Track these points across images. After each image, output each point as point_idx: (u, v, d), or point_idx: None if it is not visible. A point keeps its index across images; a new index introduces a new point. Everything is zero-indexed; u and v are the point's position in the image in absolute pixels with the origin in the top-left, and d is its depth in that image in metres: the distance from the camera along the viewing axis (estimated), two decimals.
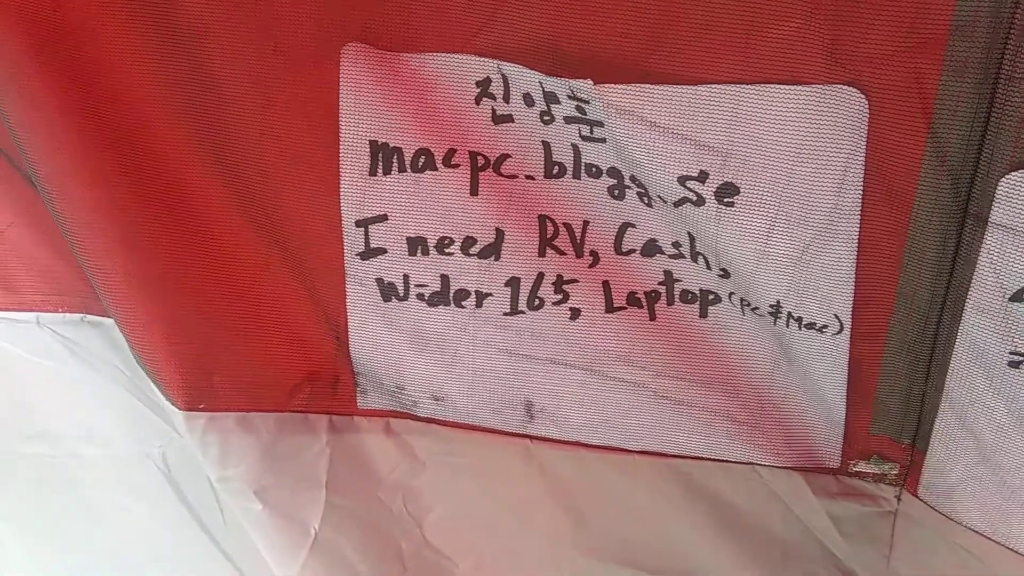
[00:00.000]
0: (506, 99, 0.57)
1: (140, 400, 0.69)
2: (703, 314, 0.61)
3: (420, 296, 0.63)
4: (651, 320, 0.62)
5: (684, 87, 0.53)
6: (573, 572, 0.66)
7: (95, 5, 0.55)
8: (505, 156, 0.59)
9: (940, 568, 0.62)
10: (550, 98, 0.56)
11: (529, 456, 0.66)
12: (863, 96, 0.51)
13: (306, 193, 0.62)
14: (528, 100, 0.56)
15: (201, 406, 0.68)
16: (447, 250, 0.61)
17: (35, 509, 0.73)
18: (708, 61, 0.53)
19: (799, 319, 0.58)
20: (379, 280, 0.63)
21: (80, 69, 0.57)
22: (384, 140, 0.59)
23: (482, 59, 0.55)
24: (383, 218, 0.61)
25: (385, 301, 0.64)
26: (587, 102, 0.55)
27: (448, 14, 0.55)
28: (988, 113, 0.49)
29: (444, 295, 0.63)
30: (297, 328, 0.66)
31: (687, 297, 0.61)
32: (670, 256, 0.60)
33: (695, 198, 0.56)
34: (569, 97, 0.55)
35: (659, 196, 0.57)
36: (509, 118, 0.57)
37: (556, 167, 0.58)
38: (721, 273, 0.59)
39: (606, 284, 0.61)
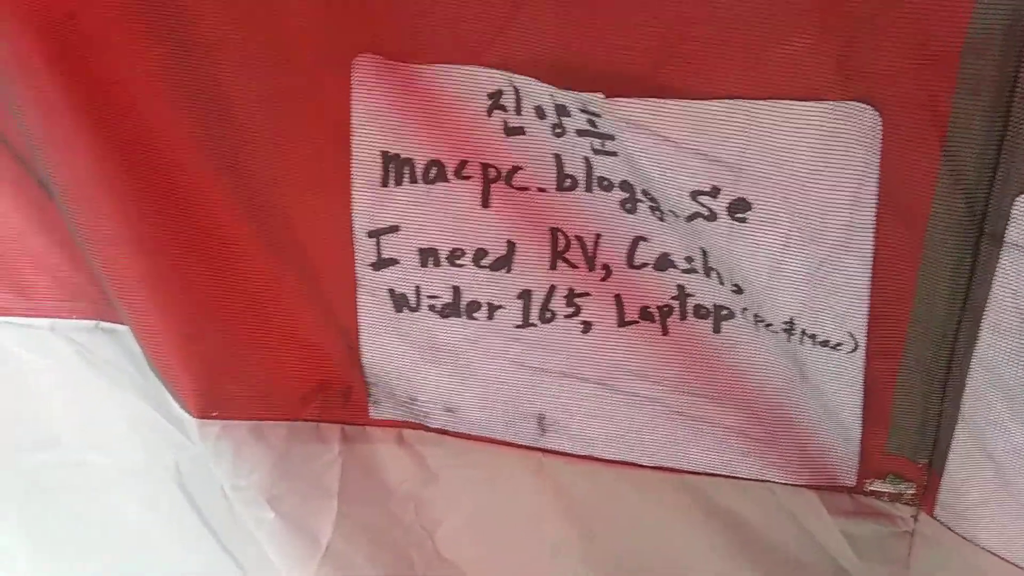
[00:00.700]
0: (518, 111, 0.56)
1: (153, 408, 0.69)
2: (716, 329, 0.61)
3: (432, 307, 0.63)
4: (664, 335, 0.61)
5: (695, 101, 0.53)
6: None
7: (110, 16, 0.56)
8: (517, 168, 0.58)
9: None
10: (561, 111, 0.55)
11: (541, 469, 0.66)
12: (876, 112, 0.50)
13: (318, 203, 0.62)
14: (540, 112, 0.56)
15: (214, 414, 0.68)
16: (458, 262, 0.61)
17: (45, 516, 0.73)
18: (720, 76, 0.52)
19: (813, 336, 0.57)
20: (391, 291, 0.63)
21: (95, 79, 0.57)
22: (396, 151, 0.59)
23: (494, 71, 0.55)
24: (394, 229, 0.61)
25: (397, 312, 0.64)
26: (598, 115, 0.54)
27: (459, 26, 0.54)
28: (1003, 131, 0.48)
29: (455, 307, 0.63)
30: (309, 337, 0.66)
31: (700, 312, 0.60)
32: (683, 271, 0.59)
33: (707, 213, 0.56)
34: (580, 110, 0.55)
35: (671, 210, 0.56)
36: (521, 130, 0.57)
37: (568, 180, 0.58)
38: (734, 289, 0.58)
39: (618, 298, 0.61)
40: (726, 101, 0.53)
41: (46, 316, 0.69)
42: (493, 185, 0.59)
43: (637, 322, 0.61)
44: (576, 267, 0.61)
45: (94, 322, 0.70)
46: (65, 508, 0.73)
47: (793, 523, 0.64)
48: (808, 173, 0.53)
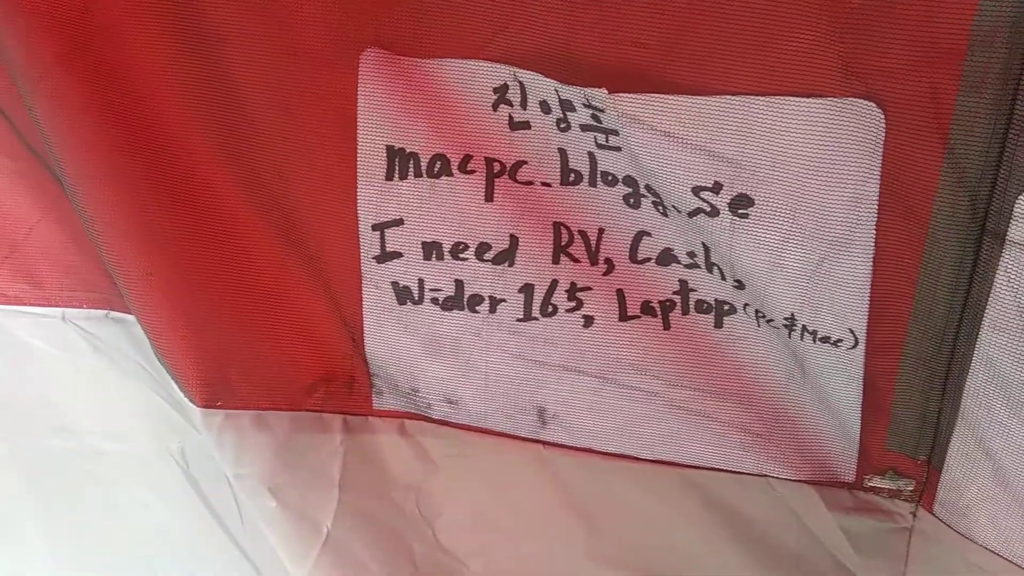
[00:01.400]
0: (523, 106, 0.56)
1: (161, 396, 0.70)
2: (718, 324, 0.61)
3: (435, 300, 0.63)
4: (665, 329, 0.62)
5: (698, 97, 0.53)
6: None
7: (122, 10, 0.56)
8: (521, 163, 0.59)
9: None
10: (566, 106, 0.56)
11: (542, 461, 0.66)
12: (879, 110, 0.50)
13: (324, 196, 0.62)
14: (545, 107, 0.56)
15: (218, 403, 0.68)
16: (462, 255, 0.62)
17: (56, 502, 0.74)
18: (723, 72, 0.52)
19: (814, 333, 0.57)
20: (394, 283, 0.63)
21: (106, 72, 0.58)
22: (401, 145, 0.59)
23: (499, 65, 0.55)
24: (399, 222, 0.61)
25: (400, 304, 0.64)
26: (602, 111, 0.54)
27: (464, 21, 0.55)
28: (1006, 129, 0.48)
29: (458, 300, 0.63)
30: (314, 329, 0.67)
31: (702, 307, 0.61)
32: (685, 266, 0.59)
33: (709, 209, 0.56)
34: (584, 105, 0.55)
35: (673, 206, 0.56)
36: (526, 125, 0.57)
37: (572, 175, 0.58)
38: (736, 284, 0.58)
39: (620, 292, 0.61)
40: (729, 97, 0.53)
41: (58, 305, 0.70)
42: (497, 179, 0.60)
43: (639, 317, 0.62)
44: (579, 261, 0.61)
45: (105, 312, 0.70)
46: (74, 493, 0.74)
47: (792, 518, 0.64)
48: (810, 169, 0.53)
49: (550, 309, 0.63)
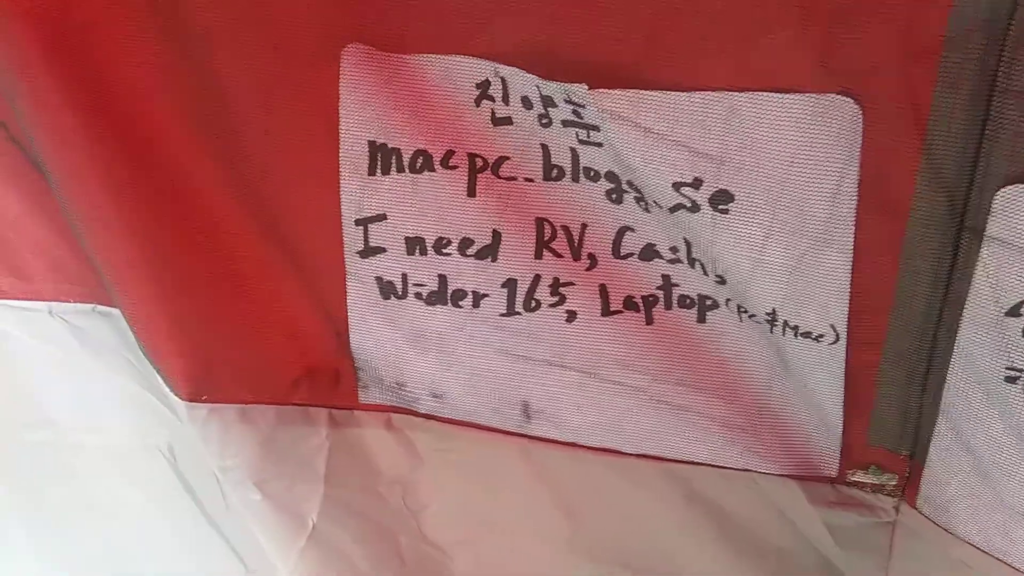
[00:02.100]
0: (505, 101, 0.56)
1: (148, 390, 0.70)
2: (701, 319, 0.61)
3: (418, 295, 0.63)
4: (648, 324, 0.62)
5: (677, 93, 0.53)
6: (568, 572, 0.66)
7: (102, 5, 0.56)
8: (504, 158, 0.59)
9: None
10: (547, 101, 0.56)
11: (527, 456, 0.66)
12: (857, 106, 0.50)
13: (307, 191, 0.62)
14: (526, 103, 0.56)
15: (203, 397, 0.69)
16: (444, 250, 0.62)
17: (39, 496, 0.74)
18: (702, 68, 0.52)
19: (795, 328, 0.57)
20: (378, 278, 0.63)
21: (89, 66, 0.58)
22: (383, 140, 0.59)
23: (481, 61, 0.55)
24: (382, 217, 0.61)
25: (384, 299, 0.64)
26: (583, 106, 0.54)
27: (447, 16, 0.55)
28: (983, 126, 0.48)
29: (442, 295, 0.63)
30: (299, 323, 0.67)
31: (685, 302, 0.61)
32: (668, 261, 0.59)
33: (690, 204, 0.56)
34: (566, 101, 0.55)
35: (655, 201, 0.56)
36: (508, 120, 0.57)
37: (555, 170, 0.58)
38: (718, 279, 0.58)
39: (603, 287, 0.61)
40: (708, 93, 0.53)
41: (44, 299, 0.71)
42: (479, 175, 0.60)
43: (622, 312, 0.62)
44: (561, 257, 0.61)
45: (91, 305, 0.71)
46: (58, 487, 0.74)
47: (775, 513, 0.64)
48: (789, 166, 0.53)
49: (533, 304, 0.63)
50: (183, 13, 0.57)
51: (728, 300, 0.59)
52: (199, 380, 0.69)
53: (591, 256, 0.61)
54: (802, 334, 0.58)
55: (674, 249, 0.59)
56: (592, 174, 0.58)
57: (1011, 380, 0.52)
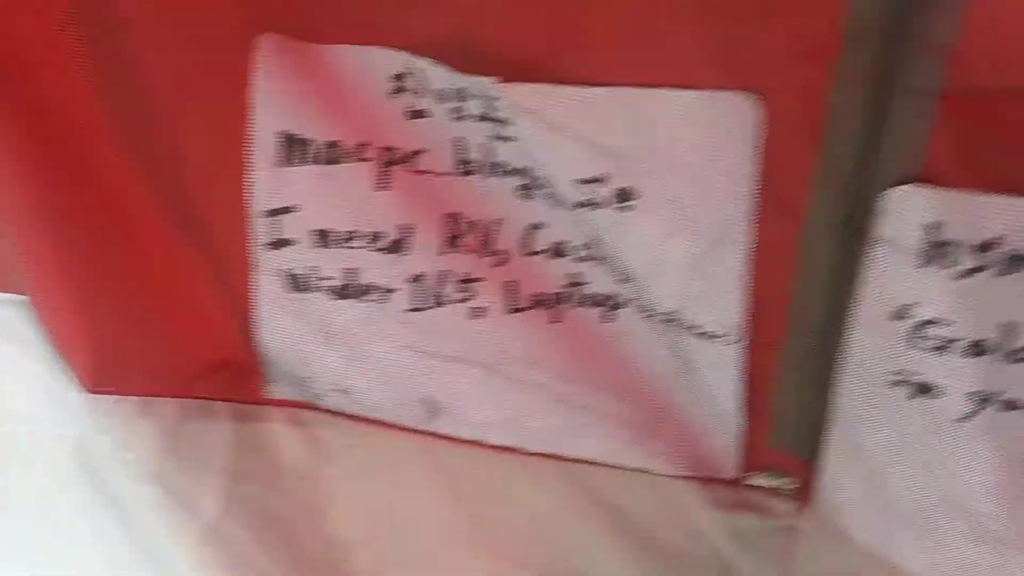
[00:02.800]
0: (420, 94, 0.57)
1: (57, 380, 0.69)
2: (606, 318, 0.61)
3: (326, 289, 0.63)
4: (554, 322, 0.62)
5: (582, 88, 0.53)
6: (469, 570, 0.65)
7: None
8: (417, 152, 0.59)
9: None
10: (461, 95, 0.56)
11: (432, 452, 0.66)
12: (756, 104, 0.51)
13: (218, 181, 0.62)
14: (441, 96, 0.56)
15: (108, 389, 0.67)
16: (353, 244, 0.61)
17: None
18: (607, 62, 0.53)
19: (695, 328, 0.58)
20: (286, 271, 0.63)
21: (2, 50, 0.58)
22: (295, 132, 0.59)
23: (395, 52, 0.55)
24: (291, 209, 0.61)
25: (292, 292, 0.64)
26: (496, 100, 0.55)
27: (363, 7, 0.55)
28: (879, 126, 0.49)
29: (350, 288, 0.63)
30: (205, 315, 0.66)
31: (591, 301, 0.61)
32: (576, 259, 0.60)
33: (595, 201, 0.56)
34: (479, 95, 0.55)
35: (563, 198, 0.57)
36: (422, 114, 0.58)
37: (467, 164, 0.58)
38: (622, 278, 0.58)
39: (511, 284, 0.61)
40: (612, 88, 0.53)
41: None
42: (392, 168, 0.60)
43: (529, 309, 0.62)
44: (471, 252, 0.61)
45: (6, 294, 0.69)
46: None
47: (675, 514, 0.64)
48: (689, 163, 0.54)
49: (440, 299, 0.63)
50: (104, 2, 0.56)
51: (632, 299, 0.60)
52: (103, 371, 0.68)
53: (501, 252, 0.61)
54: (702, 334, 0.58)
55: (583, 246, 0.59)
56: (504, 169, 0.58)
57: (896, 384, 0.53)
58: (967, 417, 0.52)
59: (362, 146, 0.59)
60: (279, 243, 0.62)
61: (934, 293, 0.50)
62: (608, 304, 0.61)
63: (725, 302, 0.57)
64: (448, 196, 0.60)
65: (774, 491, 0.63)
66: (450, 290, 0.62)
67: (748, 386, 0.59)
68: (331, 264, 0.62)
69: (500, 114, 0.55)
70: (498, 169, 0.58)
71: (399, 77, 0.57)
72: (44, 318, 0.66)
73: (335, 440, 0.68)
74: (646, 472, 0.64)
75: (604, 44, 0.53)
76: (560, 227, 0.59)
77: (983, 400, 0.52)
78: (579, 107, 0.54)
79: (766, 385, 0.59)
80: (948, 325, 0.50)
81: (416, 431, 0.67)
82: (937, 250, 0.49)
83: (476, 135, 0.57)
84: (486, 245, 0.61)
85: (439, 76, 0.55)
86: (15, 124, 0.60)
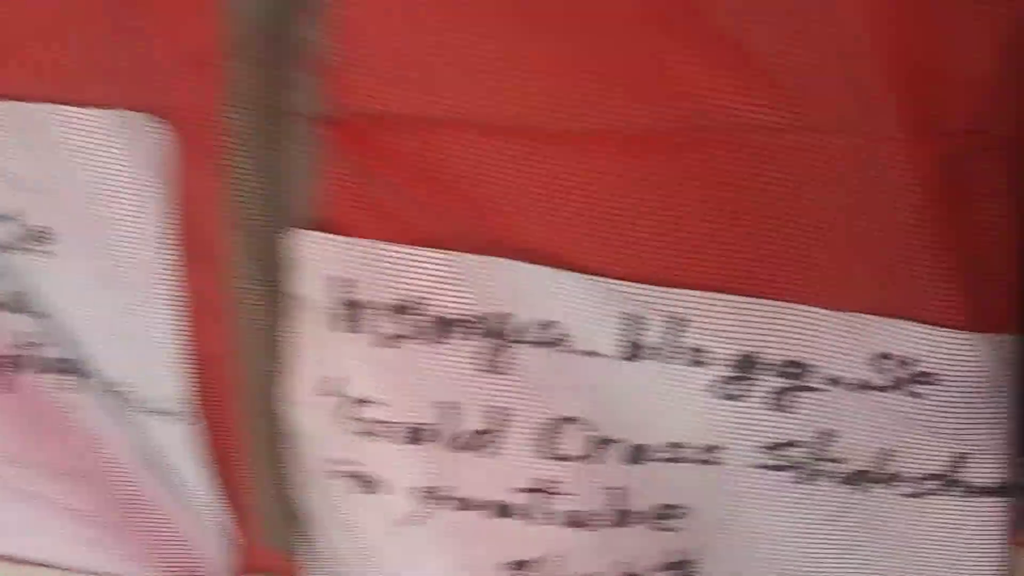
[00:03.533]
0: None
1: None
2: (62, 388, 0.49)
3: None
4: (4, 392, 0.49)
5: None
6: None
7: None
8: None
9: None
10: None
11: None
12: (161, 126, 0.40)
13: None
14: None
15: None
16: None
17: None
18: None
19: (146, 403, 0.47)
20: None
21: None
22: None
23: None
24: None
25: None
26: None
27: None
28: (277, 157, 0.38)
29: None
30: None
31: (44, 366, 0.49)
32: (27, 313, 0.48)
33: (10, 244, 0.44)
34: None
35: None
36: None
37: None
38: (69, 341, 0.47)
39: None
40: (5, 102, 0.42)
41: None
42: None
43: None
44: None
45: None
46: None
47: None
48: (102, 197, 0.43)
49: None
50: None
51: (83, 366, 0.48)
52: None
53: None
54: (154, 411, 0.47)
55: (16, 298, 0.47)
56: None
57: (340, 476, 0.43)
58: (414, 519, 0.42)
59: None
60: None
61: (360, 365, 0.40)
62: (63, 370, 0.49)
63: (166, 371, 0.45)
64: None
65: None
66: None
67: (222, 474, 0.48)
68: None
69: None
70: None
71: None
72: None
73: None
74: None
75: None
76: None
77: (429, 498, 0.42)
78: None
79: (240, 471, 0.48)
80: (382, 405, 0.40)
81: None
82: (352, 312, 0.39)
83: None
84: None
85: None
86: None
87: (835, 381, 0.43)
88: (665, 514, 0.46)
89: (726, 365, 0.42)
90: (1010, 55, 0.38)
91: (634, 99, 0.36)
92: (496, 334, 0.40)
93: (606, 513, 0.45)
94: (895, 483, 0.46)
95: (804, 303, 0.41)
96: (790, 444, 0.44)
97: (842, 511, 0.46)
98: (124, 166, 0.42)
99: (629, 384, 0.42)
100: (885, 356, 0.42)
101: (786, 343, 0.42)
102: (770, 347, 0.42)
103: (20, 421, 0.51)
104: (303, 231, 0.39)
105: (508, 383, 0.41)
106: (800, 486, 0.45)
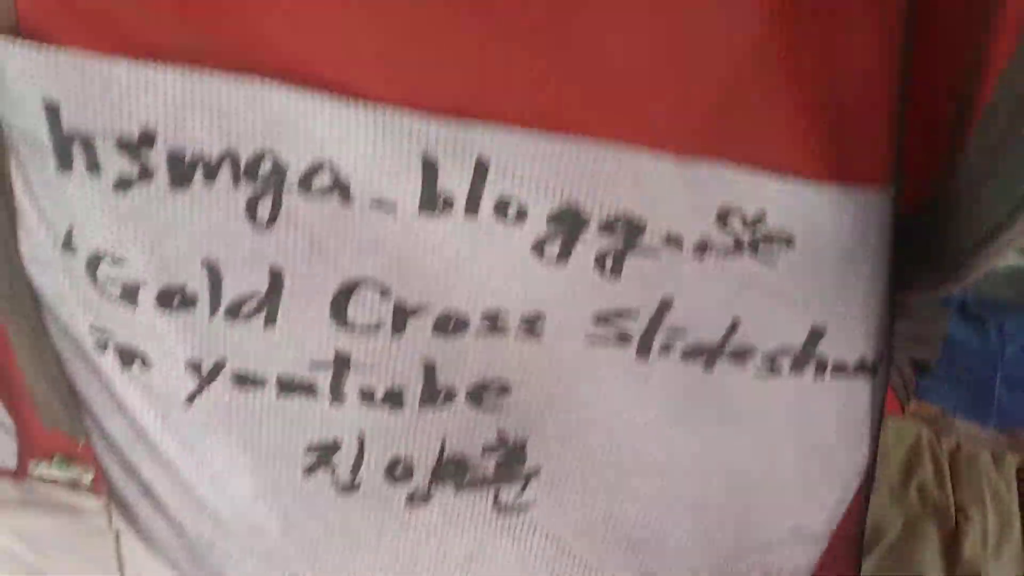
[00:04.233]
0: None
1: None
2: None
3: None
4: None
5: None
6: None
7: None
8: None
9: None
10: None
11: None
12: None
13: None
14: None
15: None
16: None
17: None
18: None
19: None
20: None
21: None
22: None
23: None
24: None
25: None
26: None
27: None
28: None
29: None
30: None
31: None
32: None
33: None
34: None
35: None
36: None
37: None
38: None
39: None
40: None
41: None
42: None
43: None
44: None
45: None
46: None
47: None
48: None
49: None
50: None
51: None
52: None
53: None
54: None
55: None
56: None
57: (101, 346, 0.37)
58: (185, 398, 0.36)
59: None
60: None
61: (93, 213, 0.33)
62: None
63: None
64: None
65: (72, 484, 0.46)
66: None
67: None
68: None
69: None
70: None
71: None
72: None
73: None
74: None
75: None
76: None
77: (196, 374, 0.36)
78: None
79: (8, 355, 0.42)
80: (123, 263, 0.34)
81: None
82: (73, 148, 0.32)
83: None
84: None
85: None
86: None
87: (672, 241, 0.37)
88: (483, 392, 0.40)
89: (543, 220, 0.36)
90: None
91: None
92: (254, 177, 0.33)
93: (412, 390, 0.39)
94: (742, 359, 0.41)
95: (629, 147, 0.35)
96: (621, 314, 0.39)
97: (685, 389, 0.41)
98: None
99: (428, 243, 0.36)
100: (728, 212, 0.37)
101: (613, 195, 0.36)
102: (594, 199, 0.36)
103: None
104: (1, 40, 0.31)
105: (276, 239, 0.34)
106: (635, 361, 0.40)
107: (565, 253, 0.36)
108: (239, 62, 0.31)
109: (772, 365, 0.40)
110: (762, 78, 0.34)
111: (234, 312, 0.35)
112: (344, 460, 0.40)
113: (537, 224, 0.35)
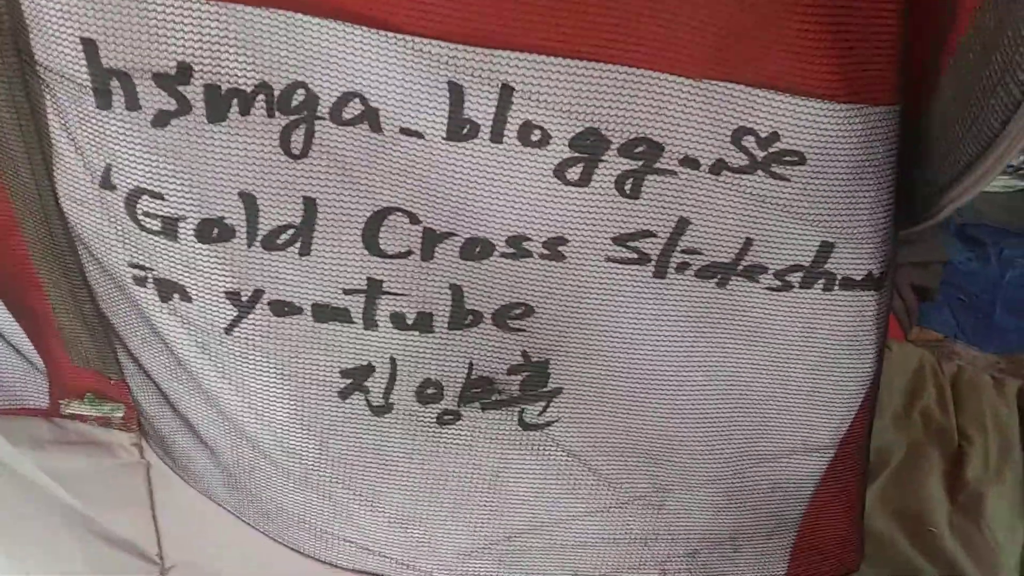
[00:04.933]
0: None
1: None
2: None
3: None
4: None
5: None
6: None
7: None
8: None
9: None
10: None
11: None
12: None
13: None
14: None
15: None
16: None
17: None
18: None
19: None
20: None
21: None
22: None
23: None
24: None
25: None
26: None
27: None
28: None
29: None
30: None
31: None
32: None
33: None
34: None
35: None
36: None
37: None
38: None
39: None
40: None
41: None
42: None
43: None
44: None
45: None
46: None
47: None
48: None
49: None
50: None
51: None
52: None
53: None
54: None
55: None
56: None
57: (140, 282, 0.38)
58: (223, 328, 0.37)
59: None
60: None
61: (132, 150, 0.34)
62: None
63: None
64: None
65: (103, 422, 0.47)
66: None
67: (20, 303, 0.42)
68: None
69: None
70: None
71: None
72: None
73: None
74: None
75: None
76: None
77: (236, 303, 0.37)
78: None
79: (37, 284, 0.42)
80: (162, 198, 0.35)
81: None
82: (111, 84, 0.33)
83: None
84: None
85: None
86: None
87: (689, 162, 0.38)
88: (509, 314, 0.41)
89: (565, 144, 0.37)
90: None
91: None
92: (287, 109, 0.34)
93: (440, 314, 0.40)
94: (756, 276, 0.42)
95: (649, 69, 0.36)
96: (641, 234, 0.40)
97: (700, 306, 0.42)
98: None
99: (455, 170, 0.37)
100: (744, 131, 0.38)
101: (633, 117, 0.37)
102: (615, 121, 0.36)
103: None
104: None
105: (309, 169, 0.35)
106: (653, 280, 0.41)
107: (587, 176, 0.37)
108: None
109: (784, 280, 0.41)
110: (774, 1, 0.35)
111: (271, 242, 0.36)
112: (377, 383, 0.41)
113: (560, 147, 0.36)
